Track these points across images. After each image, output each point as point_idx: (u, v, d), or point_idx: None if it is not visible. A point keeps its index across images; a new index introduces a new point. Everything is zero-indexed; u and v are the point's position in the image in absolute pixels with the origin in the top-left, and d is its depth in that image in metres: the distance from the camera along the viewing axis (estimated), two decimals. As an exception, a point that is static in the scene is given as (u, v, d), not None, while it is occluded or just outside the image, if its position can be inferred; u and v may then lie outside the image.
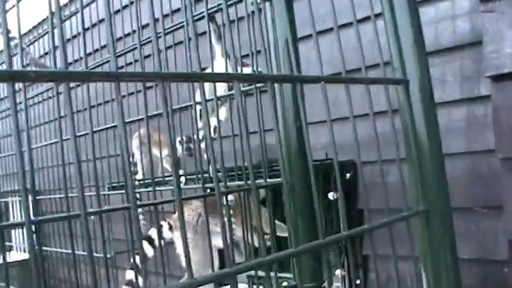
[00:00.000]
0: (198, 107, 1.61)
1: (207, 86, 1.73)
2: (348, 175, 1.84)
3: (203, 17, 1.39)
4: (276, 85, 1.16)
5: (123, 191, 1.95)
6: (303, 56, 1.17)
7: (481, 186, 1.66)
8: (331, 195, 1.82)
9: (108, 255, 2.02)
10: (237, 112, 1.36)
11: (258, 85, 1.33)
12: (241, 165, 1.36)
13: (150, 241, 2.13)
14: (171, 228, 2.15)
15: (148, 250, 2.11)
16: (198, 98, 1.40)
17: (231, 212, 1.69)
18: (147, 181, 2.05)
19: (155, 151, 1.97)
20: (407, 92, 0.90)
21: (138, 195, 1.88)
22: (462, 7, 1.68)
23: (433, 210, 0.89)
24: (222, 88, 1.70)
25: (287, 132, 1.15)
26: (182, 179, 1.51)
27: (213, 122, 1.80)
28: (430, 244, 0.88)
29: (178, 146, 2.09)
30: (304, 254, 1.11)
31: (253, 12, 1.42)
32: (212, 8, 1.43)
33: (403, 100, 0.90)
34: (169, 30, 1.73)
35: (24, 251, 4.10)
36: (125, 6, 2.30)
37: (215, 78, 0.78)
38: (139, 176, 2.09)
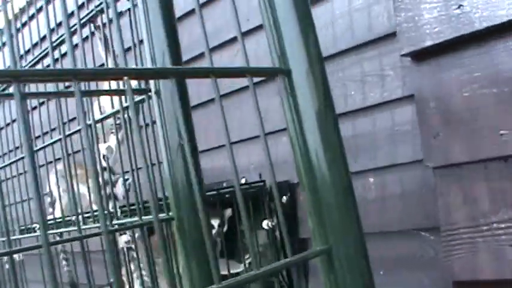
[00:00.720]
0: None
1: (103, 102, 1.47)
2: (285, 198, 1.58)
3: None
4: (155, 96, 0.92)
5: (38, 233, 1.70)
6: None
7: (419, 203, 1.36)
8: (265, 224, 1.56)
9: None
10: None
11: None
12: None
13: None
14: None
15: None
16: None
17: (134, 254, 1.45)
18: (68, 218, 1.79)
19: (82, 188, 1.70)
20: (291, 89, 0.66)
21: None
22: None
23: (337, 248, 0.65)
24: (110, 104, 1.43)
25: (170, 151, 0.90)
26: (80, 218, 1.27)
27: (102, 148, 1.56)
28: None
29: (121, 186, 1.83)
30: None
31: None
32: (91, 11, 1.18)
33: (286, 100, 0.66)
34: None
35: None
36: None
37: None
38: (57, 214, 1.85)
